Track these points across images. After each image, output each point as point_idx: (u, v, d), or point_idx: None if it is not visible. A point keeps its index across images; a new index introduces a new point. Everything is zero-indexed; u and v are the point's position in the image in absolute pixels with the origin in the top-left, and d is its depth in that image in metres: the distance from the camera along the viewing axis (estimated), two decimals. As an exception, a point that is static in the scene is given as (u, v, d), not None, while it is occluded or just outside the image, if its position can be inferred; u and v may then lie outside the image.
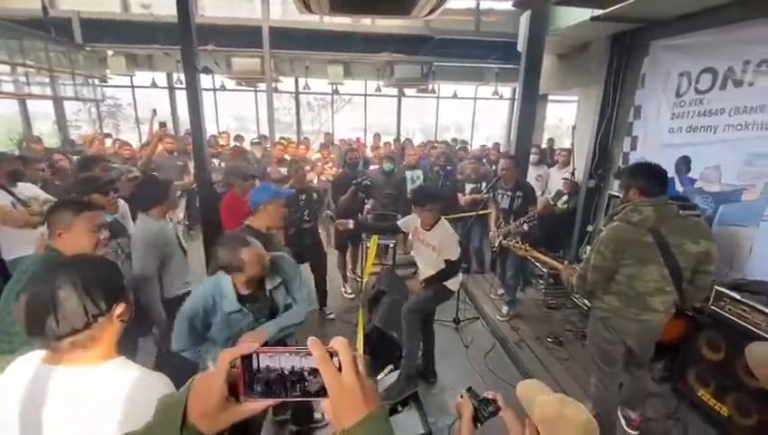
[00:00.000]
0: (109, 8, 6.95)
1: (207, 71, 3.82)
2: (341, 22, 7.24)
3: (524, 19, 4.48)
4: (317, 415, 2.57)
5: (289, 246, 3.03)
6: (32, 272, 1.47)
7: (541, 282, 4.46)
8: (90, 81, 7.30)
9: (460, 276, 2.97)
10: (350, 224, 3.18)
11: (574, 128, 5.00)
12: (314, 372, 0.47)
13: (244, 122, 11.69)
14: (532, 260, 3.67)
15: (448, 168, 5.57)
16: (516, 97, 5.76)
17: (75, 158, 4.52)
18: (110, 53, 7.54)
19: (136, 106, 9.48)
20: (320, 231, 4.10)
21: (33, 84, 6.07)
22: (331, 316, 3.99)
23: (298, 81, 9.07)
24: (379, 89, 8.77)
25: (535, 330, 3.64)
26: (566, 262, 2.68)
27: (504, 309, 3.91)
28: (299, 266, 2.20)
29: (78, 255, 1.31)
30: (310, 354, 0.47)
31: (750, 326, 2.27)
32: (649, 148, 3.89)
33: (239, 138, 7.19)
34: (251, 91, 9.22)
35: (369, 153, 7.38)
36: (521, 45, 4.55)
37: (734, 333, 2.35)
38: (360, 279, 4.51)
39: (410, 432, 2.41)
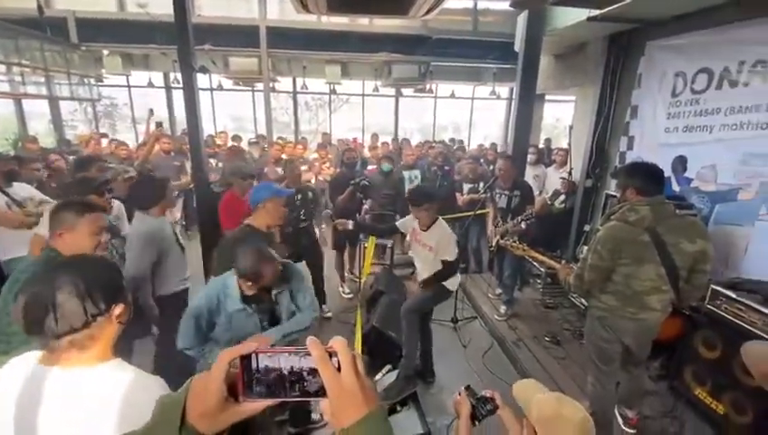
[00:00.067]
0: (104, 7, 6.93)
1: (204, 70, 3.80)
2: (339, 21, 7.24)
3: (522, 19, 4.49)
4: (315, 416, 2.57)
5: (285, 244, 3.03)
6: (31, 272, 1.46)
7: (538, 281, 4.47)
8: (86, 80, 7.27)
9: (458, 276, 2.97)
10: (350, 225, 3.18)
11: (571, 128, 5.01)
12: (313, 371, 0.47)
13: (241, 122, 11.64)
14: (530, 260, 3.68)
15: (446, 168, 5.58)
16: (514, 97, 5.79)
17: (71, 158, 4.49)
18: (105, 52, 7.51)
19: (132, 106, 9.44)
20: (319, 230, 4.10)
21: (28, 84, 6.04)
22: (328, 314, 4.00)
23: (296, 80, 9.06)
24: (376, 89, 8.78)
25: (533, 329, 3.65)
26: (563, 261, 2.68)
27: (502, 308, 3.92)
28: (304, 274, 2.25)
29: (79, 254, 1.31)
30: (309, 354, 0.47)
31: (746, 325, 2.29)
32: (646, 147, 3.91)
33: (237, 138, 7.17)
34: (248, 90, 9.20)
35: (366, 153, 7.38)
36: (518, 45, 4.56)
37: (730, 332, 2.36)
38: (357, 279, 4.51)
39: (409, 432, 2.42)
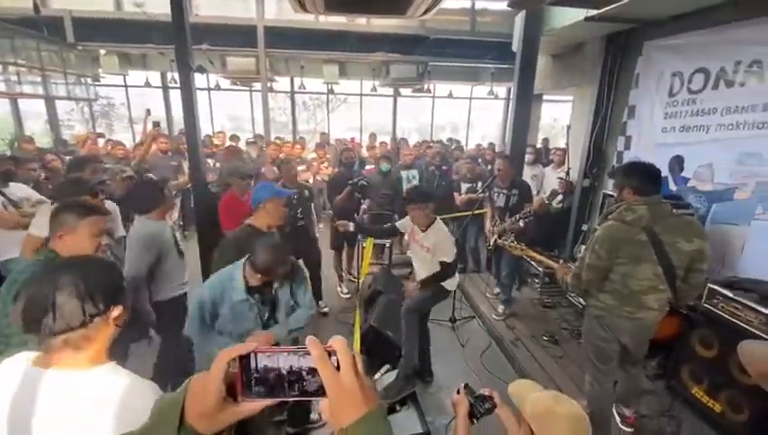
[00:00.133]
0: (101, 7, 6.89)
1: (202, 70, 3.79)
2: (337, 21, 7.24)
3: (519, 19, 4.50)
4: (314, 416, 2.57)
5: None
6: (30, 272, 1.45)
7: (536, 281, 4.48)
8: (82, 80, 7.24)
9: (457, 276, 2.97)
10: (351, 226, 3.18)
11: (569, 127, 5.02)
12: (312, 371, 0.47)
13: (239, 122, 11.62)
14: (528, 259, 3.69)
15: (444, 167, 5.59)
16: (511, 97, 5.79)
17: (68, 158, 4.47)
18: (102, 51, 7.48)
19: (129, 106, 9.41)
20: (317, 230, 4.10)
21: (24, 83, 6.02)
22: (325, 309, 4.04)
23: (293, 80, 9.05)
24: (374, 88, 8.79)
25: (531, 329, 3.66)
26: (561, 261, 2.69)
27: (500, 308, 3.93)
28: (305, 273, 2.30)
29: (81, 255, 1.31)
30: (308, 354, 0.47)
31: (742, 323, 2.30)
32: (643, 147, 3.92)
33: (235, 138, 7.16)
34: (246, 90, 9.18)
35: (364, 153, 7.38)
36: (516, 45, 4.57)
37: (726, 331, 2.37)
38: (355, 279, 4.50)
39: (408, 432, 2.42)
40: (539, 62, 4.56)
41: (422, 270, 2.89)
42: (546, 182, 5.38)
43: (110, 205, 2.70)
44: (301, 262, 3.67)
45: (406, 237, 3.20)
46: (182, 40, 3.42)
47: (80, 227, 1.57)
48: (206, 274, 3.30)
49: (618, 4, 3.18)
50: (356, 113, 9.88)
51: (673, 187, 3.57)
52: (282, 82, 9.18)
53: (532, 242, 3.21)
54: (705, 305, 2.52)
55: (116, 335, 1.04)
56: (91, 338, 0.95)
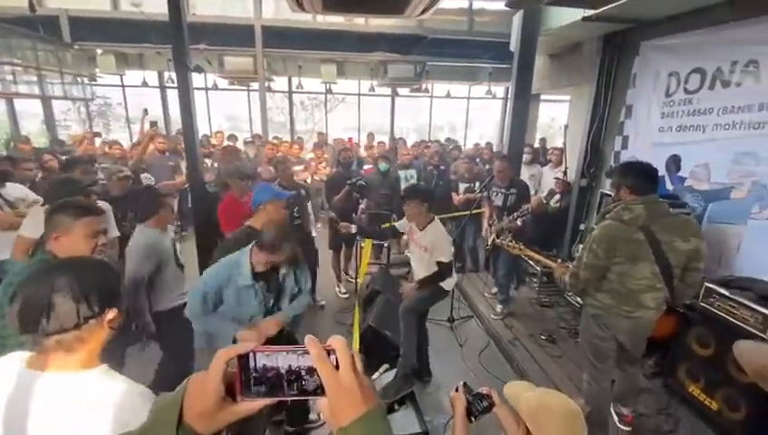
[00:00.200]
0: (98, 6, 6.85)
1: (199, 69, 3.78)
2: (334, 21, 7.23)
3: (517, 19, 4.51)
4: (312, 415, 2.56)
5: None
6: (26, 274, 1.45)
7: (534, 280, 4.49)
8: (79, 79, 7.20)
9: (455, 276, 2.97)
10: (353, 228, 3.18)
11: (566, 127, 5.03)
12: (311, 370, 0.47)
13: (236, 122, 11.60)
14: (526, 259, 3.70)
15: (442, 167, 5.59)
16: (509, 96, 5.80)
17: (64, 158, 4.45)
18: (99, 51, 7.44)
19: (126, 105, 9.37)
20: (314, 229, 4.10)
21: (20, 83, 5.98)
22: (322, 303, 4.11)
23: (291, 80, 9.03)
24: (372, 88, 8.77)
25: (529, 328, 3.67)
26: (559, 260, 2.70)
27: (498, 307, 3.93)
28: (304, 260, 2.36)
29: (79, 256, 1.30)
30: (307, 353, 0.47)
31: (738, 322, 2.31)
32: (640, 147, 3.94)
33: (233, 137, 7.15)
34: (244, 90, 9.16)
35: (362, 153, 7.38)
36: (513, 45, 4.58)
37: (723, 329, 2.38)
38: (352, 280, 4.50)
39: (407, 431, 2.42)
40: (536, 62, 4.57)
41: (420, 270, 2.89)
42: (544, 182, 5.39)
43: (102, 205, 2.69)
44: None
45: (405, 237, 3.20)
46: (179, 39, 3.41)
47: (75, 228, 1.55)
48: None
49: (615, 4, 3.19)
50: (354, 113, 9.87)
51: (670, 186, 3.59)
52: (279, 82, 9.17)
53: (530, 241, 3.21)
54: (702, 304, 2.53)
55: (111, 339, 1.03)
56: (84, 340, 0.94)
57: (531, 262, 4.18)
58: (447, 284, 2.87)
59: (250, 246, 1.98)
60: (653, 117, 3.78)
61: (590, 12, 3.55)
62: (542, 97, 7.85)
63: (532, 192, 4.67)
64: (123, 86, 8.96)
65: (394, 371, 2.91)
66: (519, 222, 3.55)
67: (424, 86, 8.91)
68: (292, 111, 9.89)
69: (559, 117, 10.77)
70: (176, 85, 3.54)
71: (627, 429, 2.48)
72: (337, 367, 0.48)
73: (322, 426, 2.54)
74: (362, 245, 4.31)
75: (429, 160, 5.81)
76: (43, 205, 2.36)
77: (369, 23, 7.44)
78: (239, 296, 1.94)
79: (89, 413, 0.91)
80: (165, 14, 3.42)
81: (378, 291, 3.76)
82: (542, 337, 3.49)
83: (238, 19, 7.20)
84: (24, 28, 5.78)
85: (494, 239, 3.69)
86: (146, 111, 5.45)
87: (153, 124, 4.61)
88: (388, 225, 4.25)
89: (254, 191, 2.63)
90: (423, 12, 2.81)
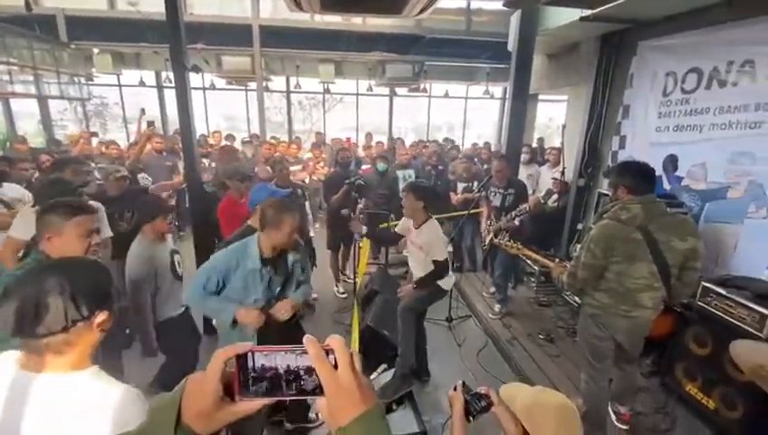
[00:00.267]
0: (94, 5, 6.83)
1: (197, 69, 3.77)
2: (332, 20, 7.22)
3: (515, 19, 4.51)
4: (311, 415, 2.56)
5: None
6: (16, 276, 1.44)
7: (532, 280, 4.50)
8: (75, 79, 7.17)
9: (453, 276, 2.98)
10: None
11: (564, 127, 5.05)
12: (310, 370, 0.47)
13: (234, 122, 11.58)
14: (524, 258, 3.71)
15: (440, 167, 5.60)
16: (507, 96, 5.80)
17: (54, 157, 4.43)
18: (96, 50, 7.41)
19: (123, 105, 9.34)
20: (312, 229, 4.10)
21: (16, 83, 5.95)
22: (315, 296, 4.14)
23: (289, 79, 9.03)
24: (370, 88, 8.77)
25: (527, 327, 3.67)
26: (557, 260, 2.71)
27: (496, 307, 3.94)
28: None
29: (69, 257, 1.28)
30: (305, 353, 0.47)
31: (735, 321, 2.32)
32: (637, 146, 3.95)
33: (230, 137, 7.13)
34: (241, 90, 9.15)
35: (360, 153, 7.38)
36: (511, 45, 4.58)
37: (720, 328, 2.39)
38: (350, 280, 4.50)
39: (405, 431, 2.42)
40: (534, 62, 4.58)
41: (417, 269, 2.90)
42: (541, 181, 5.41)
43: (94, 204, 2.66)
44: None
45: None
46: (177, 39, 3.40)
47: (66, 228, 1.52)
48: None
49: (612, 4, 3.20)
50: (352, 113, 9.88)
51: (667, 186, 3.60)
52: (277, 82, 9.15)
53: (528, 241, 3.22)
54: (699, 303, 2.54)
55: (104, 341, 1.02)
56: (72, 343, 0.93)
57: (529, 261, 4.19)
58: (446, 283, 2.88)
59: (257, 233, 2.01)
60: (650, 117, 3.79)
61: (588, 12, 3.56)
62: (540, 97, 7.88)
63: (530, 192, 4.67)
64: (120, 86, 8.93)
65: (392, 370, 2.92)
66: (517, 222, 3.56)
67: (422, 86, 8.92)
68: (290, 110, 9.88)
69: (557, 117, 10.79)
70: (173, 85, 3.52)
71: (624, 427, 2.50)
72: (336, 367, 0.47)
73: (321, 426, 2.54)
74: (361, 245, 4.31)
75: (427, 160, 5.81)
76: (33, 206, 2.32)
77: (367, 22, 7.44)
78: (246, 281, 1.96)
79: (79, 414, 0.90)
80: (162, 14, 3.41)
81: (376, 291, 3.76)
82: (541, 337, 3.49)
83: (236, 18, 7.19)
84: (21, 27, 5.75)
85: (491, 239, 3.70)
86: (143, 110, 5.43)
87: (150, 124, 4.59)
88: (386, 225, 4.27)
89: (251, 192, 2.63)
90: (421, 11, 2.82)
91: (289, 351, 0.48)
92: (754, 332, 2.20)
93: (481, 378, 3.12)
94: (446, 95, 9.81)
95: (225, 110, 11.80)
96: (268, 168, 4.16)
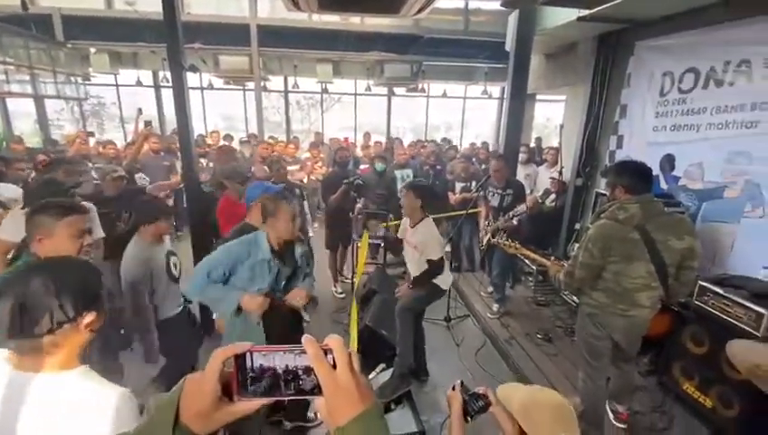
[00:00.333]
0: (91, 5, 6.80)
1: (194, 69, 3.76)
2: (330, 20, 7.21)
3: (512, 19, 4.52)
4: (310, 414, 2.56)
5: None
6: (2, 277, 1.42)
7: (530, 279, 4.51)
8: (72, 79, 7.14)
9: (451, 275, 2.98)
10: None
11: (562, 127, 5.05)
12: (308, 370, 0.47)
13: (232, 122, 11.55)
14: (522, 258, 3.72)
15: (438, 167, 5.61)
16: (505, 96, 5.81)
17: (44, 158, 4.40)
18: (92, 50, 7.38)
19: (120, 105, 9.30)
20: (311, 229, 4.09)
21: (12, 82, 5.92)
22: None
23: (287, 79, 9.01)
24: (368, 88, 8.76)
25: (525, 327, 3.68)
26: (552, 258, 2.72)
27: (495, 307, 3.95)
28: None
29: (56, 256, 1.26)
30: (304, 352, 0.47)
31: (732, 320, 2.33)
32: (635, 146, 3.96)
33: (228, 137, 7.11)
34: (239, 89, 9.12)
35: (359, 152, 7.37)
36: (509, 45, 4.59)
37: (716, 328, 2.41)
38: (348, 280, 4.50)
39: (404, 430, 2.42)
40: (532, 62, 4.58)
41: (413, 269, 2.91)
42: (539, 181, 5.42)
43: (86, 205, 2.64)
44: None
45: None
46: (174, 38, 3.39)
47: (57, 229, 1.49)
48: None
49: (610, 4, 3.20)
50: (350, 113, 9.86)
51: (664, 185, 3.61)
52: (275, 82, 9.13)
53: (526, 241, 3.23)
54: (696, 303, 2.55)
55: (102, 341, 1.01)
56: (59, 344, 0.91)
57: (527, 261, 4.20)
58: (444, 283, 2.88)
59: (264, 228, 2.06)
60: (647, 116, 3.80)
61: (585, 12, 3.57)
62: (538, 97, 7.88)
63: (528, 191, 4.69)
64: (117, 85, 8.89)
65: (391, 370, 2.92)
66: (515, 221, 3.57)
67: (420, 86, 8.92)
68: (288, 110, 9.86)
69: (554, 117, 10.80)
70: (170, 85, 3.51)
71: (622, 426, 2.50)
72: (334, 366, 0.47)
73: (320, 425, 2.54)
74: (359, 245, 4.32)
75: (426, 160, 5.82)
76: (23, 208, 2.28)
77: (365, 22, 7.43)
78: (254, 271, 2.00)
79: (67, 414, 0.89)
80: (159, 13, 3.40)
81: (374, 290, 3.76)
82: (539, 336, 3.50)
83: (233, 18, 7.17)
84: (17, 26, 5.71)
85: (489, 239, 3.70)
86: (140, 110, 5.41)
87: (147, 124, 4.57)
88: (384, 224, 4.26)
89: (246, 189, 2.64)
90: (419, 11, 2.81)
91: (287, 351, 0.48)
92: (751, 331, 2.21)
93: (479, 377, 3.13)
94: (445, 95, 9.81)
95: (222, 109, 11.76)
96: (265, 167, 4.15)
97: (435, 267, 2.76)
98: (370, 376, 2.99)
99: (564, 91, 5.88)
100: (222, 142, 6.78)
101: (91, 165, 4.65)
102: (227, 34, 7.04)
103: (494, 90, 9.66)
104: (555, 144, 5.53)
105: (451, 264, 3.62)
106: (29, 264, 1.21)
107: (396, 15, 3.19)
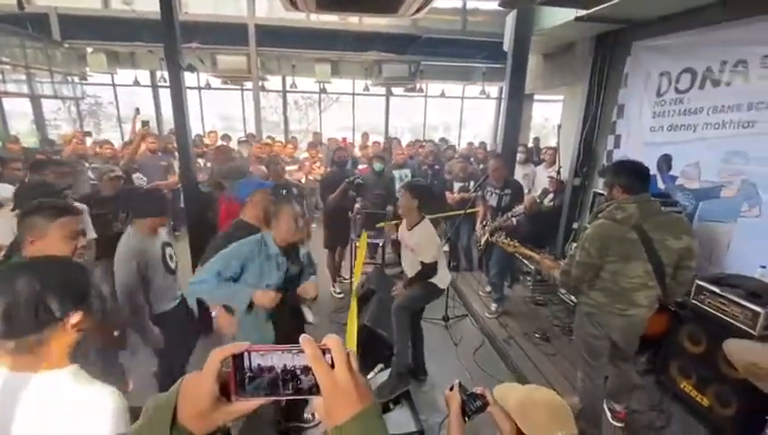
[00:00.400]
0: (88, 4, 6.77)
1: (192, 69, 3.75)
2: (328, 20, 7.21)
3: (510, 19, 4.52)
4: (307, 415, 2.56)
5: None
6: None
7: (528, 279, 4.52)
8: (69, 78, 7.10)
9: (449, 275, 2.98)
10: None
11: (560, 127, 5.07)
12: (307, 369, 0.47)
13: (230, 121, 11.52)
14: (520, 257, 3.72)
15: (436, 167, 5.61)
16: (503, 96, 5.82)
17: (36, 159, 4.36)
18: (89, 49, 7.34)
19: (118, 105, 9.26)
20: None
21: (8, 82, 5.88)
22: None
23: (285, 79, 8.99)
24: (366, 88, 8.76)
25: (523, 326, 3.69)
26: (542, 253, 2.73)
27: (493, 306, 3.95)
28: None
29: (41, 256, 1.24)
30: (302, 352, 0.47)
31: (729, 319, 2.34)
32: (632, 146, 3.98)
33: (226, 137, 7.10)
34: (237, 89, 9.09)
35: (357, 152, 7.37)
36: (507, 45, 4.60)
37: (714, 327, 2.42)
38: (346, 280, 4.50)
39: (402, 430, 2.42)
40: (530, 62, 4.59)
41: (409, 270, 2.91)
42: (537, 181, 5.43)
43: (78, 206, 2.62)
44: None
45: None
46: (172, 38, 3.38)
47: (50, 230, 1.46)
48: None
49: (607, 4, 3.21)
50: (348, 112, 9.85)
51: (661, 185, 3.63)
52: (273, 81, 9.11)
53: (524, 240, 3.23)
54: (693, 302, 2.56)
55: (100, 342, 1.00)
56: (45, 344, 0.90)
57: (525, 260, 4.21)
58: (442, 282, 2.88)
59: (271, 230, 2.10)
60: (644, 116, 3.81)
61: (583, 12, 3.58)
62: (536, 97, 7.89)
63: (526, 191, 4.69)
64: (114, 85, 8.85)
65: (389, 370, 2.92)
66: (513, 221, 3.57)
67: (418, 86, 8.91)
68: (286, 110, 9.84)
69: (552, 116, 10.83)
70: (168, 84, 3.50)
71: (620, 425, 2.51)
72: (332, 366, 0.47)
73: (318, 425, 2.53)
74: (357, 244, 4.31)
75: (424, 160, 5.82)
76: (12, 210, 2.24)
77: (364, 22, 7.42)
78: (263, 268, 2.03)
79: (54, 413, 0.89)
80: (156, 13, 3.39)
81: (373, 290, 3.76)
82: (537, 335, 3.51)
83: (231, 18, 7.15)
84: (13, 26, 5.67)
85: (486, 239, 3.71)
86: (137, 110, 5.40)
87: (145, 124, 4.56)
88: (382, 224, 4.27)
89: (238, 187, 2.66)
90: (417, 11, 2.81)
91: (285, 350, 0.47)
92: (748, 329, 2.22)
93: (477, 377, 3.13)
94: (443, 95, 9.82)
95: (220, 109, 11.73)
96: (262, 167, 4.15)
97: (427, 269, 2.77)
98: (369, 376, 2.99)
99: (562, 91, 5.89)
100: (220, 142, 6.76)
101: (87, 165, 4.64)
102: (225, 34, 7.02)
103: (492, 90, 9.67)
104: (553, 144, 5.54)
105: (449, 263, 3.62)
106: (13, 264, 1.20)
107: (394, 15, 3.18)
